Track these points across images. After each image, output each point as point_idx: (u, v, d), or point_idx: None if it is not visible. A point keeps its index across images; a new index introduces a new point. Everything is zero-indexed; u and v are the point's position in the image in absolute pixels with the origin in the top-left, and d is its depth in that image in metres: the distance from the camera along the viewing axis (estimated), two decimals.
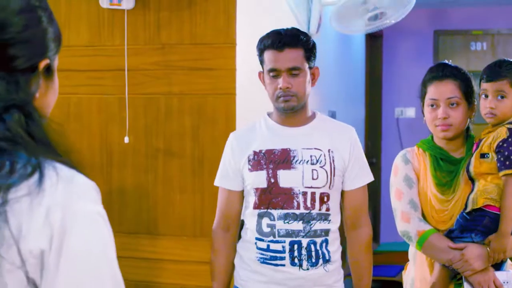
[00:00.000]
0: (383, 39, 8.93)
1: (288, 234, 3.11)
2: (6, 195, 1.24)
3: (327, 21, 5.48)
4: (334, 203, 3.18)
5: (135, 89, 4.17)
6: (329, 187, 3.13)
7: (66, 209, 1.28)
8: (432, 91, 3.19)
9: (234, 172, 3.24)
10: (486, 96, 3.11)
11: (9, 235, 1.23)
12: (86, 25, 4.26)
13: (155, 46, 4.15)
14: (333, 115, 6.27)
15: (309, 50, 3.13)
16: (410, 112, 8.70)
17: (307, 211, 3.11)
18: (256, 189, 3.15)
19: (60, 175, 1.31)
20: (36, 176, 1.27)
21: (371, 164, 8.15)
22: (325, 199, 3.13)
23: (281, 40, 3.09)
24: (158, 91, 4.15)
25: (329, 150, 3.16)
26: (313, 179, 3.11)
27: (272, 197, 3.13)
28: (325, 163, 3.13)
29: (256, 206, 3.17)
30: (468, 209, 3.05)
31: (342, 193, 3.24)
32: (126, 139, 4.13)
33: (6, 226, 1.23)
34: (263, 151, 3.17)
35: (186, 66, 4.10)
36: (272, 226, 3.13)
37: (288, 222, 3.11)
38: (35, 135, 1.32)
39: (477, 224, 3.04)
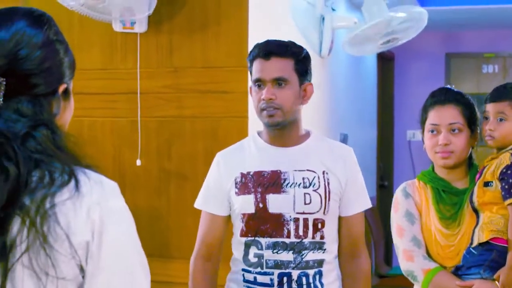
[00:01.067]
0: (395, 62, 8.94)
1: (277, 265, 2.81)
2: (53, 200, 1.52)
3: (338, 44, 5.49)
4: (330, 230, 2.88)
5: (147, 112, 4.19)
6: (324, 212, 2.84)
7: (102, 207, 1.58)
8: (433, 116, 3.04)
9: (220, 195, 2.95)
10: (487, 118, 3.00)
11: (61, 232, 1.51)
12: (99, 49, 4.28)
13: (168, 69, 4.17)
14: (345, 137, 6.27)
15: (300, 62, 2.87)
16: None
17: (298, 240, 2.81)
18: (243, 214, 2.86)
19: (91, 178, 1.61)
20: (73, 182, 1.56)
21: (382, 187, 8.18)
22: (319, 226, 2.84)
23: (268, 48, 2.85)
24: (171, 114, 4.17)
25: (324, 172, 2.87)
26: (305, 203, 2.82)
27: (260, 224, 2.83)
28: (319, 186, 2.84)
29: (242, 234, 2.88)
30: (474, 243, 2.88)
31: (339, 219, 2.94)
32: (138, 162, 4.14)
33: (58, 225, 1.51)
34: (251, 173, 2.88)
35: (198, 89, 4.11)
36: (259, 256, 2.84)
37: (277, 252, 2.81)
38: (61, 147, 1.59)
39: (485, 259, 2.86)
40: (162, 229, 4.18)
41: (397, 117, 8.92)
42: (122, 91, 4.24)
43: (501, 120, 2.96)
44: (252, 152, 2.95)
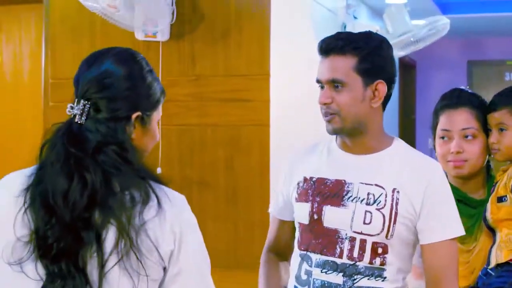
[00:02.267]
0: (417, 69, 8.92)
1: (324, 286, 2.45)
2: (142, 217, 1.80)
3: None
4: (395, 257, 2.43)
5: (169, 120, 4.19)
6: (387, 236, 2.39)
7: (180, 220, 1.88)
8: (444, 121, 2.77)
9: (283, 198, 2.65)
10: (490, 130, 2.73)
11: (151, 245, 1.80)
12: None
13: (190, 78, 4.17)
14: None
15: (366, 59, 2.42)
16: None
17: (352, 262, 2.41)
18: (300, 224, 2.54)
19: (167, 195, 1.89)
20: (155, 200, 1.84)
21: None
22: (380, 250, 2.41)
23: (326, 43, 2.46)
24: (192, 122, 4.17)
25: (394, 189, 2.41)
26: (364, 223, 2.41)
27: (313, 238, 2.48)
28: (385, 205, 2.40)
29: (298, 245, 2.55)
30: (492, 264, 2.58)
31: (421, 247, 2.47)
32: (159, 170, 4.15)
33: (149, 239, 1.80)
34: (314, 179, 2.52)
35: (220, 97, 4.11)
36: (309, 274, 2.49)
37: (325, 272, 2.45)
38: (130, 162, 1.85)
39: (504, 281, 2.55)
40: None
41: (418, 125, 8.90)
42: None
43: (501, 130, 2.68)
44: (323, 155, 2.58)
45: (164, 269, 1.87)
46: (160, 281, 1.87)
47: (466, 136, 2.73)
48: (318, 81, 2.47)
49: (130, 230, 1.78)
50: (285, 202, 2.64)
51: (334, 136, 2.56)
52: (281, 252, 2.73)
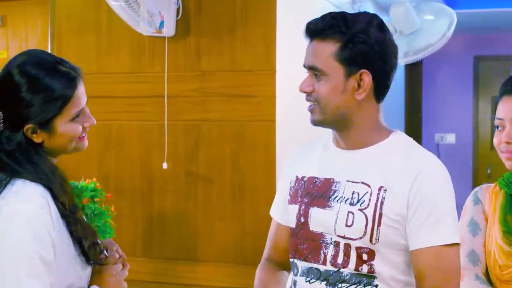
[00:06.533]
0: (423, 65, 8.90)
1: None
2: None
3: None
4: (385, 265, 2.14)
5: (175, 115, 4.19)
6: (371, 240, 2.11)
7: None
8: (499, 108, 2.41)
9: (281, 200, 2.39)
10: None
11: None
12: (127, 53, 4.30)
13: (195, 73, 4.17)
14: None
15: (350, 46, 2.13)
16: (451, 138, 8.63)
17: (335, 269, 2.15)
18: (290, 228, 2.30)
19: (13, 190, 2.00)
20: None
21: None
22: (365, 256, 2.13)
23: (311, 25, 2.20)
24: (198, 118, 4.17)
25: (381, 187, 2.13)
26: (346, 225, 2.14)
27: (299, 243, 2.24)
28: (368, 205, 2.12)
29: (289, 251, 2.31)
30: None
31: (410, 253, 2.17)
32: (165, 165, 4.15)
33: None
34: (305, 179, 2.28)
35: (226, 93, 4.11)
36: (294, 284, 2.27)
37: (309, 281, 2.21)
38: (7, 163, 2.06)
39: None
40: (189, 232, 4.18)
41: (425, 120, 8.88)
42: (149, 94, 4.25)
43: None
44: (317, 152, 2.33)
45: None
46: None
47: None
48: (304, 66, 2.24)
49: None
50: (281, 204, 2.38)
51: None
52: (282, 261, 2.40)
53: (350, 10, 5.01)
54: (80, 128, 2.14)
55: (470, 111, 8.81)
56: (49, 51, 4.48)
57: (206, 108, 4.15)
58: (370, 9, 6.12)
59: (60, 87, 2.07)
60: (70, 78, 2.09)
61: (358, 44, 2.12)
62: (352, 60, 2.13)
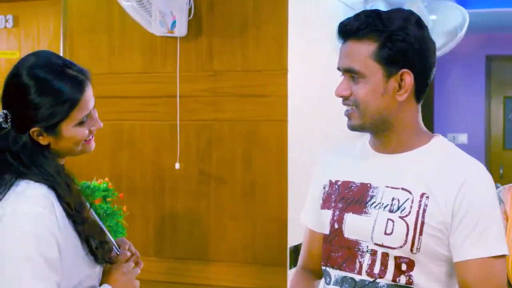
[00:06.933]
0: None
1: None
2: None
3: None
4: (425, 276, 2.04)
5: (187, 115, 4.20)
6: (412, 249, 2.01)
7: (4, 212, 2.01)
8: None
9: (312, 204, 2.30)
10: None
11: None
12: (139, 53, 4.30)
13: (207, 73, 4.17)
14: None
15: (390, 44, 2.03)
16: (463, 138, 8.61)
17: (371, 279, 2.05)
18: (323, 235, 2.21)
19: (16, 191, 2.02)
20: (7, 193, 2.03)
21: None
22: (404, 267, 2.02)
23: (344, 25, 2.09)
24: (210, 118, 4.17)
25: (423, 194, 2.02)
26: (385, 233, 2.03)
27: (332, 250, 2.15)
28: (409, 212, 2.02)
29: (322, 259, 2.22)
30: None
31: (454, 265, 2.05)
32: (177, 165, 4.16)
33: None
34: (339, 182, 2.19)
35: (237, 92, 4.11)
36: None
37: None
38: (13, 164, 2.07)
39: None
40: (201, 232, 4.19)
41: (437, 120, 8.86)
42: (161, 94, 4.25)
43: None
44: (352, 155, 2.24)
45: None
46: None
47: None
48: (338, 69, 2.13)
49: None
50: (312, 209, 2.29)
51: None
52: (317, 269, 2.29)
53: (362, 9, 5.00)
54: (87, 131, 2.14)
55: (482, 111, 8.79)
56: (61, 51, 4.50)
57: (218, 108, 4.15)
58: (382, 8, 6.11)
59: (68, 91, 2.06)
60: (78, 81, 2.09)
61: (397, 42, 2.02)
62: (391, 60, 2.03)
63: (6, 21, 5.71)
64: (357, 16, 2.07)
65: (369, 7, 5.10)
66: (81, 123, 2.12)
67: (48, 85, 2.05)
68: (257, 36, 4.08)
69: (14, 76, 2.09)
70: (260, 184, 4.05)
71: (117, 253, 2.25)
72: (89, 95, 2.12)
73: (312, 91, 4.39)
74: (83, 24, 4.44)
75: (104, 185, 3.63)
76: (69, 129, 2.10)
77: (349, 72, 2.06)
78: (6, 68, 5.73)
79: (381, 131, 2.11)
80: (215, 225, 4.17)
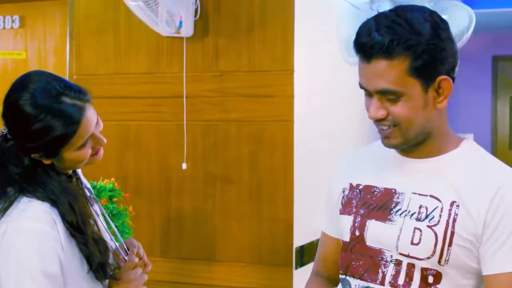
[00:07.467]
0: None
1: None
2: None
3: None
4: None
5: (193, 116, 4.20)
6: (440, 261, 1.90)
7: (5, 228, 2.02)
8: None
9: (330, 209, 2.20)
10: None
11: None
12: (145, 53, 4.31)
13: (214, 73, 4.17)
14: None
15: (423, 55, 1.86)
16: (469, 138, 8.59)
17: None
18: (342, 241, 2.11)
19: (19, 208, 2.03)
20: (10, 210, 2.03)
21: None
22: (430, 279, 1.91)
23: (367, 42, 1.88)
24: (216, 118, 4.17)
25: (453, 203, 1.91)
26: (412, 243, 1.92)
27: (353, 259, 2.05)
28: (439, 221, 1.90)
29: (339, 267, 2.12)
30: None
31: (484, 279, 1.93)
32: (184, 166, 4.16)
33: None
34: (360, 187, 2.08)
35: (244, 93, 4.11)
36: None
37: None
38: (17, 180, 2.09)
39: None
40: (207, 233, 4.19)
41: None
42: (168, 95, 4.26)
43: None
44: (374, 158, 2.13)
45: None
46: None
47: None
48: (361, 87, 1.98)
49: None
50: (332, 214, 2.18)
51: None
52: (331, 276, 2.23)
53: (368, 10, 5.00)
54: (89, 151, 2.14)
55: (489, 111, 8.78)
56: (67, 52, 4.50)
57: (225, 108, 4.15)
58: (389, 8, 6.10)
59: (64, 126, 2.04)
60: (75, 111, 2.04)
61: (432, 52, 1.88)
62: (429, 71, 1.90)
63: (13, 21, 5.72)
64: (379, 30, 1.88)
65: (375, 7, 5.09)
66: (82, 145, 2.12)
67: (44, 120, 2.03)
68: (263, 36, 4.08)
69: (12, 103, 2.06)
70: (266, 185, 4.05)
71: (125, 259, 2.25)
72: (89, 119, 2.08)
73: (318, 91, 4.39)
74: (90, 24, 4.45)
75: (110, 185, 3.63)
76: (70, 153, 2.11)
77: (384, 94, 1.91)
78: (13, 69, 5.75)
79: (420, 142, 1.99)
80: (221, 226, 4.17)
